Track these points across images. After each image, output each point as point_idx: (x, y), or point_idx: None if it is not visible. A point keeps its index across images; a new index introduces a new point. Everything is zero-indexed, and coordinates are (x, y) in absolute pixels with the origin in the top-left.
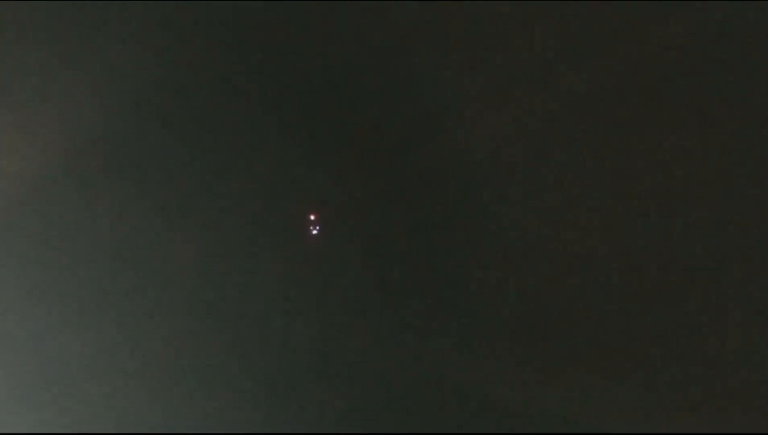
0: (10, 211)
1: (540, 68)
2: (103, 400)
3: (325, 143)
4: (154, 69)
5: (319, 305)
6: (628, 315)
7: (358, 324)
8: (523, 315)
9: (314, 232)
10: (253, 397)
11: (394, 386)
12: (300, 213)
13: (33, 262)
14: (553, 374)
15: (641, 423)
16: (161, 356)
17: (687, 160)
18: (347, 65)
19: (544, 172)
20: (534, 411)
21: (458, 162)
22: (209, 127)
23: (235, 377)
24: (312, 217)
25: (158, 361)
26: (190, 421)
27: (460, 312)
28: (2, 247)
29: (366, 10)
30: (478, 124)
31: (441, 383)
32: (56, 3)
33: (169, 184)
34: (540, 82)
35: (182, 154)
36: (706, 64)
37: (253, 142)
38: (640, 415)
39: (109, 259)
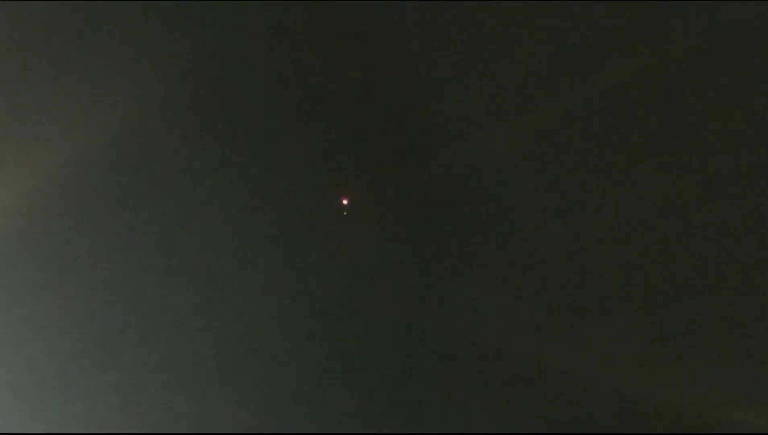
0: (14, 215)
1: (554, 73)
2: (105, 400)
3: (336, 148)
4: (162, 72)
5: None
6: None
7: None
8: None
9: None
10: (264, 399)
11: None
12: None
13: (38, 265)
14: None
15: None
16: (166, 356)
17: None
18: (360, 68)
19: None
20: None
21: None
22: (219, 127)
23: (244, 378)
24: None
25: (162, 361)
26: (195, 421)
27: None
28: (8, 253)
29: (375, 12)
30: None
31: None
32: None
33: (180, 185)
34: (555, 87)
35: (194, 156)
36: (719, 68)
37: (262, 144)
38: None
39: (114, 257)
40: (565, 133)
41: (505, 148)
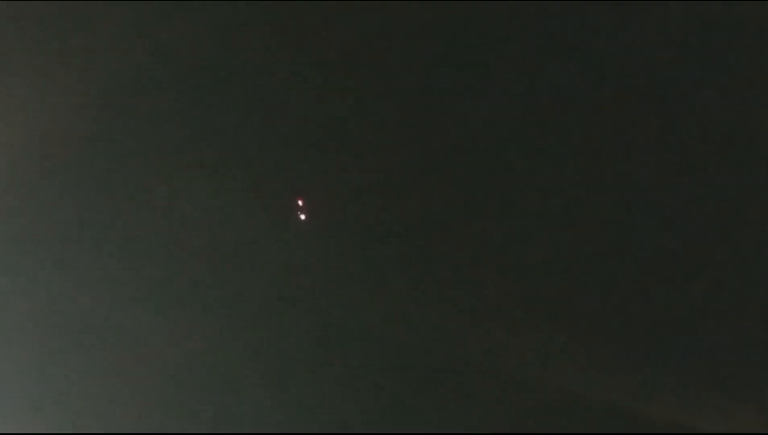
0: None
1: (539, 64)
2: (101, 400)
3: (315, 136)
4: (140, 62)
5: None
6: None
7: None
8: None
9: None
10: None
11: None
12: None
13: (23, 253)
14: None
15: None
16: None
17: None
18: (341, 59)
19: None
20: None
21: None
22: (194, 120)
23: (236, 377)
24: (303, 209)
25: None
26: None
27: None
28: None
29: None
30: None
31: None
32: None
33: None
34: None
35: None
36: (706, 62)
37: (242, 135)
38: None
39: (100, 250)
40: (562, 130)
41: (496, 148)
